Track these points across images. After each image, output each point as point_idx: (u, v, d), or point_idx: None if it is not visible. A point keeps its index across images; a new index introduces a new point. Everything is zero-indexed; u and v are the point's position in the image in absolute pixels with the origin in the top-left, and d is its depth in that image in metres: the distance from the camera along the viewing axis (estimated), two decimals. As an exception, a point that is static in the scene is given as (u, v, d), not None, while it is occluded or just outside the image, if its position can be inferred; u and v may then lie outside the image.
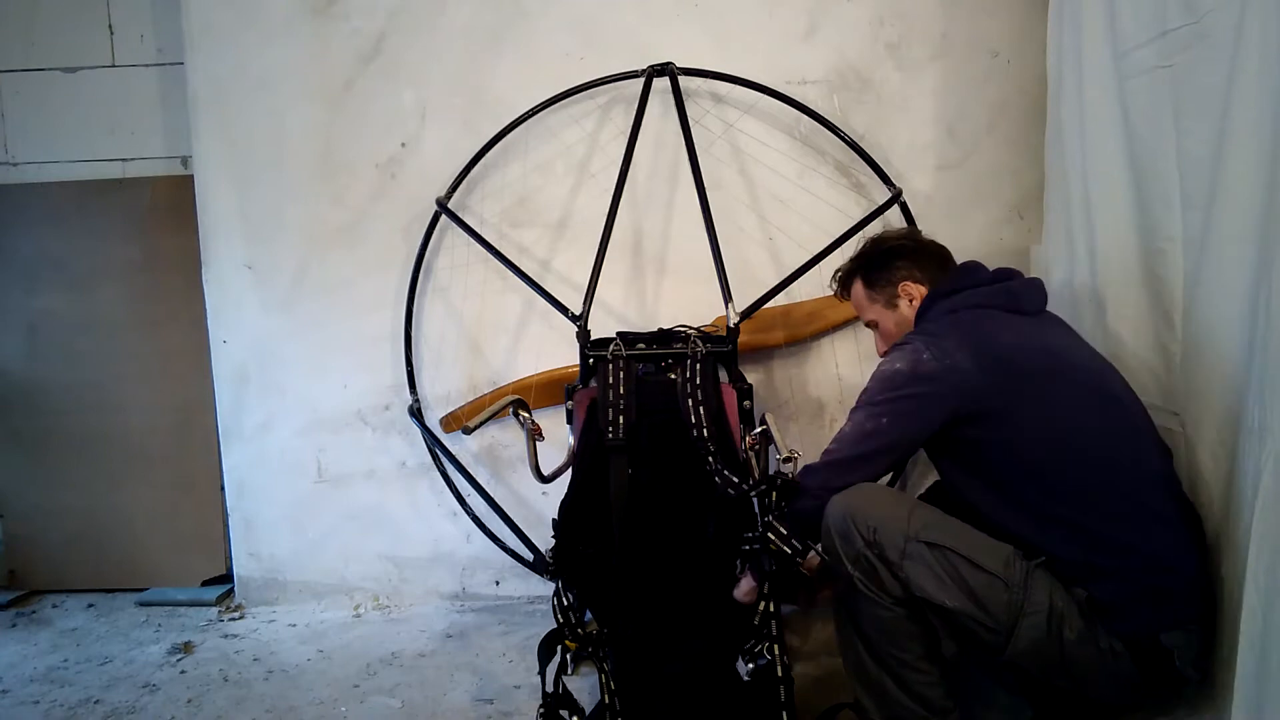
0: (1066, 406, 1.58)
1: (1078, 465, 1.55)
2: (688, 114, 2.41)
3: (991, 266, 1.80)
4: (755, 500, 1.76)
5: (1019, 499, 1.58)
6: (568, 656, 1.95)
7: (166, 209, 2.82)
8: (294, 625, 2.60)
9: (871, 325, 1.92)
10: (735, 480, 1.82)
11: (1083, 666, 1.52)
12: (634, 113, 2.42)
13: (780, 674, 1.70)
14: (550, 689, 1.79)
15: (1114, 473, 1.56)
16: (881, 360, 1.71)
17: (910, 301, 1.82)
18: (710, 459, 1.88)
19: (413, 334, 2.62)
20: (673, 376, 2.04)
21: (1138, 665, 1.51)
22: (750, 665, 1.69)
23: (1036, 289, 1.76)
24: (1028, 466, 1.57)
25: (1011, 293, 1.73)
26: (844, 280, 1.94)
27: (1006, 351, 1.61)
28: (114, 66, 2.88)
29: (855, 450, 1.64)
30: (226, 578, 2.82)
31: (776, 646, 1.72)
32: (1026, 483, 1.57)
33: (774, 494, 1.73)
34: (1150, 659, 1.51)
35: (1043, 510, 1.56)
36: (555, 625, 1.88)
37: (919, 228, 2.42)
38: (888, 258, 1.85)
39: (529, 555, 2.50)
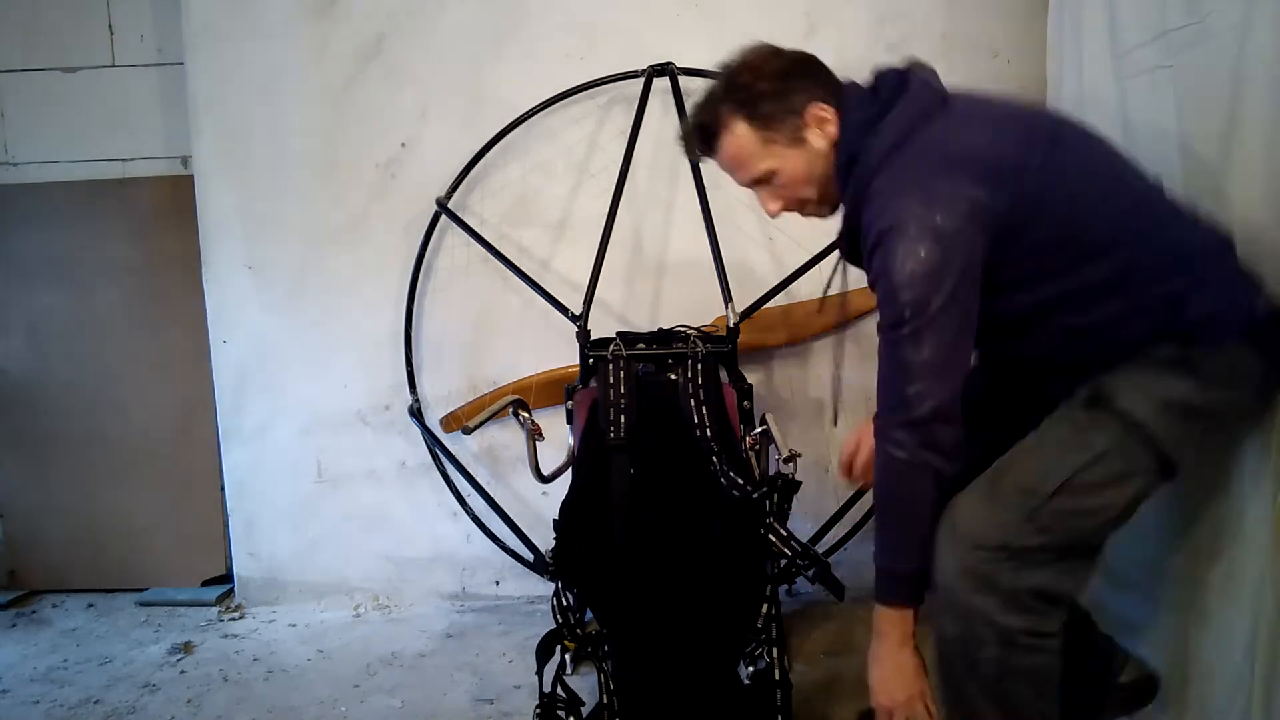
0: (1070, 166, 1.34)
1: (1106, 209, 1.33)
2: (688, 114, 2.40)
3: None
4: (766, 502, 1.76)
5: (1071, 284, 1.33)
6: (567, 656, 1.96)
7: (166, 209, 2.82)
8: (294, 625, 2.60)
9: (761, 180, 1.46)
10: (740, 481, 1.82)
11: (1219, 407, 1.33)
12: (634, 113, 2.42)
13: (778, 677, 1.70)
14: (548, 688, 1.79)
15: (1136, 193, 1.38)
16: (878, 259, 1.29)
17: (822, 128, 1.40)
18: (715, 459, 1.87)
19: (413, 334, 2.62)
20: (673, 376, 2.03)
21: (1263, 354, 1.31)
22: (750, 669, 1.69)
23: (930, 69, 1.43)
24: (1068, 243, 1.32)
25: (930, 85, 1.39)
26: (707, 129, 1.47)
27: (995, 152, 1.32)
28: (114, 66, 2.87)
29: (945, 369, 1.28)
30: (226, 578, 2.82)
31: (775, 650, 1.72)
32: (1078, 261, 1.32)
33: (775, 495, 1.72)
34: (1271, 340, 1.31)
35: (1094, 277, 1.32)
36: (555, 625, 1.88)
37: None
38: (781, 79, 1.41)
39: (529, 555, 2.50)
